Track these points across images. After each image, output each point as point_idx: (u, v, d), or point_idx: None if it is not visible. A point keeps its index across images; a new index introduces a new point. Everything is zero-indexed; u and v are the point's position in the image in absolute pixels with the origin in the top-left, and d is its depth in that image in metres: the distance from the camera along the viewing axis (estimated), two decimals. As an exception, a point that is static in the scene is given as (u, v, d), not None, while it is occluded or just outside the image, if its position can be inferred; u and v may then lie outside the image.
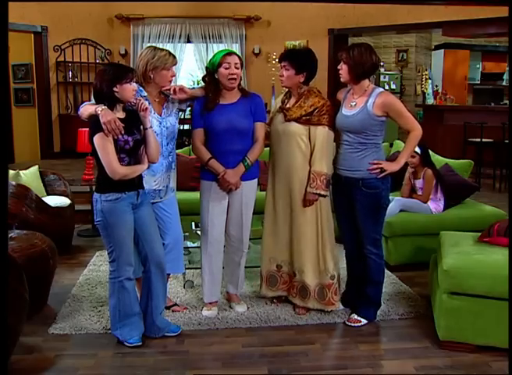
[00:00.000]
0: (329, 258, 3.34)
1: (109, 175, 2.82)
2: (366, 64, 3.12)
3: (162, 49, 3.17)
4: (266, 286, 3.53)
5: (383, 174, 3.15)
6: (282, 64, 3.27)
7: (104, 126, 2.74)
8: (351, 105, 3.20)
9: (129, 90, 2.84)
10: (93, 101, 2.95)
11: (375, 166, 3.14)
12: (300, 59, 3.25)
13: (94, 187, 5.22)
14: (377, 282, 3.35)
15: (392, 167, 3.17)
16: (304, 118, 3.21)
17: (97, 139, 2.78)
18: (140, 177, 2.99)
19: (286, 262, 3.44)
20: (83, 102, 3.09)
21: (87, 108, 2.89)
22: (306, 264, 3.33)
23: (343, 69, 3.16)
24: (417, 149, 4.40)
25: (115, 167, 2.81)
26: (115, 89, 2.80)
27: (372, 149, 3.17)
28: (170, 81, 3.18)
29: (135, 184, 2.95)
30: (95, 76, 2.93)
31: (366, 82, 3.20)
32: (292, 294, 3.46)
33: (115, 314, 3.01)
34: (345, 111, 3.23)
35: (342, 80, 3.21)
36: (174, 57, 3.17)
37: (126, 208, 2.90)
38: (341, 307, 3.47)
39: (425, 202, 4.41)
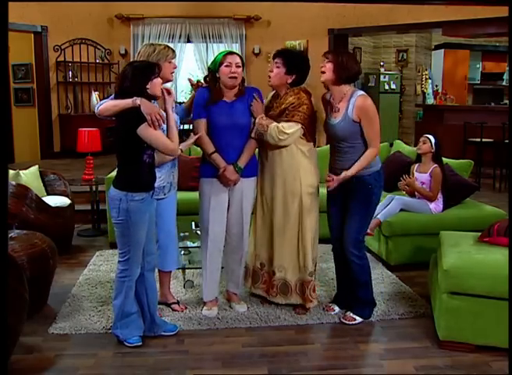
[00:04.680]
0: (309, 256, 3.33)
1: (169, 154, 2.96)
2: (352, 70, 3.15)
3: (160, 44, 3.24)
4: (251, 281, 3.56)
5: (333, 185, 3.18)
6: (275, 60, 3.27)
7: (148, 117, 2.77)
8: (334, 113, 3.22)
9: (158, 84, 2.89)
10: (107, 100, 2.96)
11: (331, 183, 3.19)
12: (293, 60, 3.25)
13: (95, 185, 5.17)
14: (364, 283, 3.35)
15: (344, 176, 3.17)
16: (279, 118, 3.21)
17: (143, 130, 2.78)
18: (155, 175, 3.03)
19: (267, 261, 3.45)
20: (90, 101, 3.10)
21: (117, 104, 2.85)
22: (287, 260, 3.35)
23: (327, 68, 3.14)
24: (432, 139, 4.40)
25: (171, 146, 2.89)
26: (147, 86, 2.82)
27: (361, 149, 3.19)
28: (172, 73, 3.22)
29: (154, 183, 2.99)
30: (122, 75, 2.89)
31: (346, 87, 3.19)
32: (272, 294, 3.44)
33: (119, 313, 3.01)
34: (330, 120, 3.24)
35: (322, 79, 3.19)
36: (173, 50, 3.22)
37: (147, 208, 2.93)
38: (337, 310, 3.47)
39: (433, 200, 4.39)
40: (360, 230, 3.28)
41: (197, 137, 3.20)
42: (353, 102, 3.14)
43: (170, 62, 3.17)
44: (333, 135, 3.24)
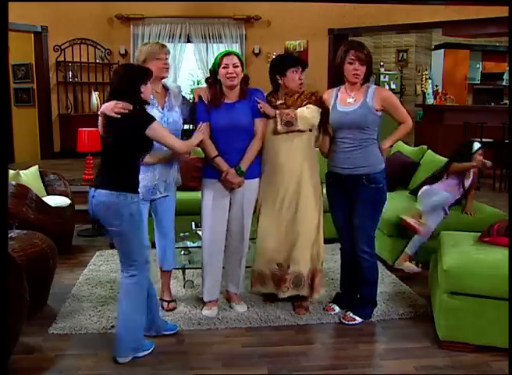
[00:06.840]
0: (322, 244, 3.39)
1: (176, 151, 3.01)
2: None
3: (148, 43, 3.30)
4: (258, 285, 3.51)
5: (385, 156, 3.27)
6: (298, 68, 3.29)
7: (112, 114, 2.73)
8: (349, 102, 3.20)
9: (150, 90, 2.89)
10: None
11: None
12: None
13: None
14: (373, 281, 3.37)
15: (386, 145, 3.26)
16: (294, 107, 3.26)
17: (151, 130, 2.78)
18: None
19: (287, 259, 3.37)
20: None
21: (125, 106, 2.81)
22: (302, 251, 3.32)
23: (362, 71, 3.15)
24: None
25: (180, 144, 2.98)
26: (141, 89, 2.80)
27: (373, 144, 3.20)
28: (165, 68, 3.19)
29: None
30: (118, 75, 2.87)
31: None
32: (283, 290, 3.37)
33: (133, 338, 2.90)
34: (342, 108, 3.21)
35: (357, 81, 3.17)
36: (162, 45, 3.22)
37: (142, 207, 2.98)
38: (337, 310, 3.47)
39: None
40: (372, 227, 3.30)
41: (200, 137, 3.16)
42: (372, 92, 3.17)
43: (158, 59, 3.15)
44: (346, 123, 3.17)
